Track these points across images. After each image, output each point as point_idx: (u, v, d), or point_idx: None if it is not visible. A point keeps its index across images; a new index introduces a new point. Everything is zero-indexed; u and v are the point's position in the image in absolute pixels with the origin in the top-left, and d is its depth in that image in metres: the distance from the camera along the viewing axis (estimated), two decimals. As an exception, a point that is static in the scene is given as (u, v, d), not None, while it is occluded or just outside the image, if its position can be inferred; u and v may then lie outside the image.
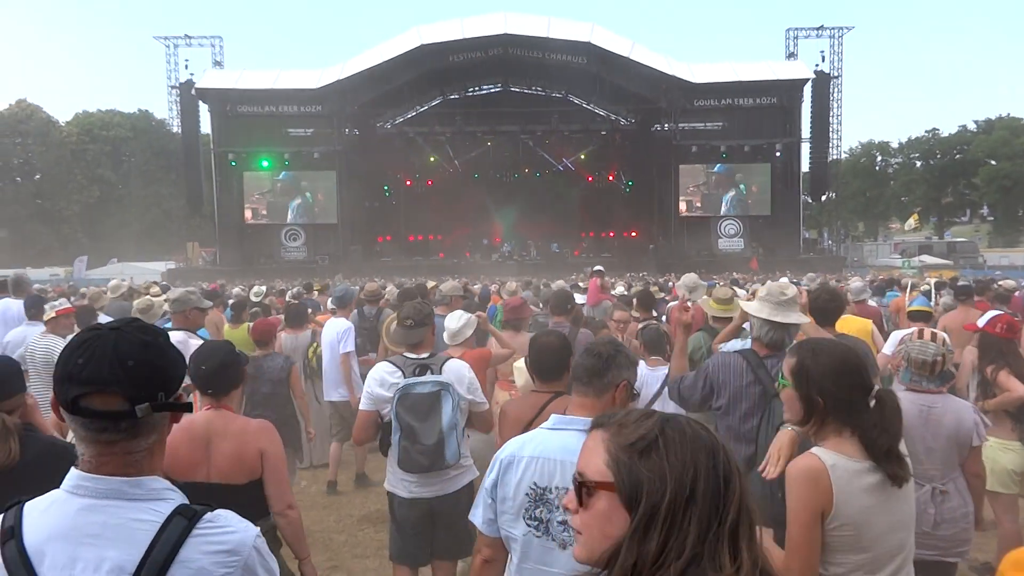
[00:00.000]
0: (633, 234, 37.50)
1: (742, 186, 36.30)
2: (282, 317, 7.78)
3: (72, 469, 1.40)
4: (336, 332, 6.95)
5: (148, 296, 7.58)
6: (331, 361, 6.96)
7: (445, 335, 4.96)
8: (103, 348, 1.36)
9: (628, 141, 37.32)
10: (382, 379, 3.78)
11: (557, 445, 2.26)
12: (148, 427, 1.40)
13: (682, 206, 36.07)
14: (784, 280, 3.45)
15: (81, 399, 1.34)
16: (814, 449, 2.21)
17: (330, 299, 8.30)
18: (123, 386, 1.34)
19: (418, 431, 3.60)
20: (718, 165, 36.16)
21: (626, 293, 10.45)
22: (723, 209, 36.39)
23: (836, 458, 2.15)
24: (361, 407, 3.92)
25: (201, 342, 4.16)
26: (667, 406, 4.92)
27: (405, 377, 3.69)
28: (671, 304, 7.65)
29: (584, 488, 1.12)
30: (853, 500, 2.12)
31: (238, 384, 3.25)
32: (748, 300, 4.43)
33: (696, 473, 1.07)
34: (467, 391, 3.79)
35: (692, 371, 3.67)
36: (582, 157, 38.49)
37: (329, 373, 7.02)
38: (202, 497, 1.48)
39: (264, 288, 12.30)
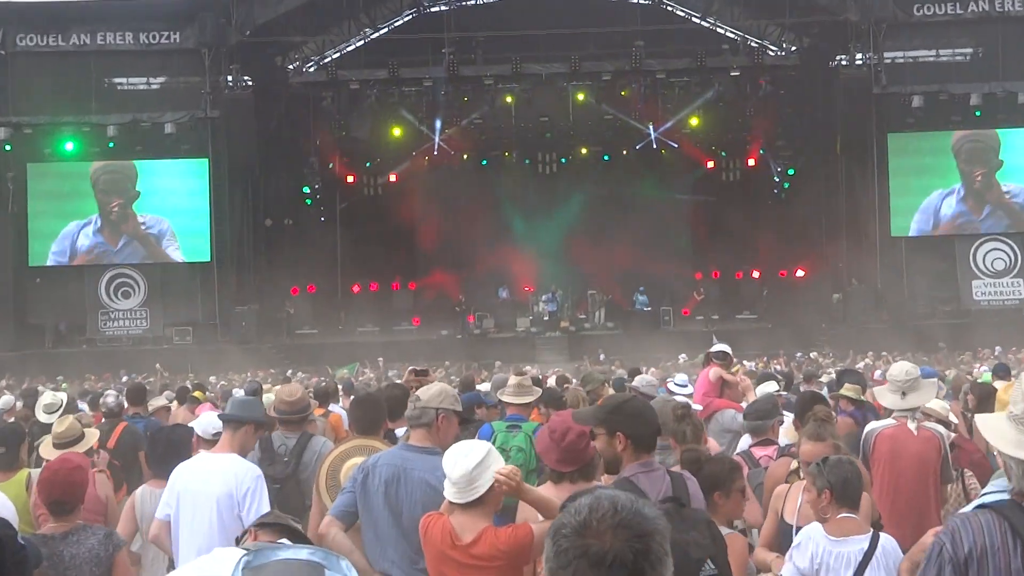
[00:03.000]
0: (798, 272, 36.33)
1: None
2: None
3: None
4: (226, 481, 6.85)
5: None
6: (207, 535, 6.72)
7: (449, 490, 5.23)
8: None
9: (784, 89, 35.60)
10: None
11: None
12: None
13: (896, 216, 34.90)
14: None
15: None
16: None
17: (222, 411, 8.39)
18: None
19: None
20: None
21: (779, 392, 10.81)
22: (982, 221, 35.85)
23: None
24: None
25: None
26: None
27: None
28: (880, 426, 7.73)
29: None
30: None
31: None
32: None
33: None
34: None
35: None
36: (693, 122, 36.60)
37: (199, 556, 5.78)
38: None
39: (63, 396, 12.09)
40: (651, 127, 36.93)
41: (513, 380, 9.52)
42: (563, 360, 30.07)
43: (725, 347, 10.69)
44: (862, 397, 9.42)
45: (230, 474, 6.76)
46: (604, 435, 5.28)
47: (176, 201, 35.32)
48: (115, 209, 35.07)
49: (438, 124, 37.02)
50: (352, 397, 10.04)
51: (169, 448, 7.47)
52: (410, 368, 11.44)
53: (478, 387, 12.32)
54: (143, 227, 35.40)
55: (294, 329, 35.07)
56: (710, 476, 5.64)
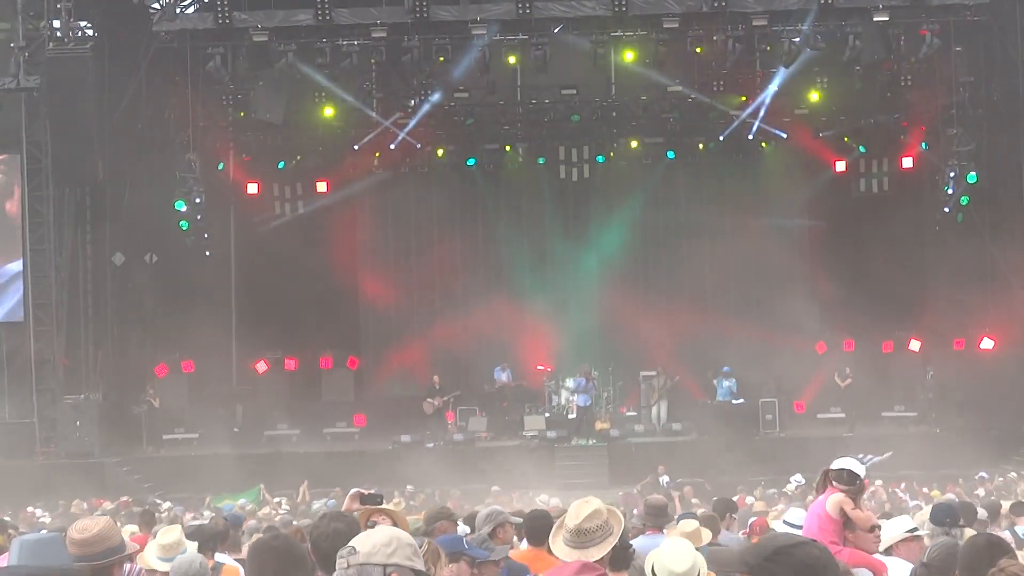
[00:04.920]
0: (985, 343, 31.71)
1: None
2: None
3: None
4: None
5: None
6: None
7: None
8: None
9: (962, 45, 30.90)
10: None
11: None
12: None
13: None
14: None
15: None
16: None
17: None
18: None
19: None
20: None
21: (914, 531, 9.39)
22: None
23: None
24: None
25: None
26: None
27: None
28: None
29: None
30: None
31: None
32: None
33: None
34: None
35: None
36: (812, 98, 32.36)
37: None
38: None
39: None
40: (744, 106, 32.16)
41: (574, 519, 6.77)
42: (599, 484, 25.36)
43: (855, 464, 8.52)
44: None
45: None
46: None
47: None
48: None
49: (402, 101, 32.59)
50: (251, 541, 8.69)
51: None
52: (354, 491, 8.23)
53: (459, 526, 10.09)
54: None
55: (160, 432, 29.29)
56: None
